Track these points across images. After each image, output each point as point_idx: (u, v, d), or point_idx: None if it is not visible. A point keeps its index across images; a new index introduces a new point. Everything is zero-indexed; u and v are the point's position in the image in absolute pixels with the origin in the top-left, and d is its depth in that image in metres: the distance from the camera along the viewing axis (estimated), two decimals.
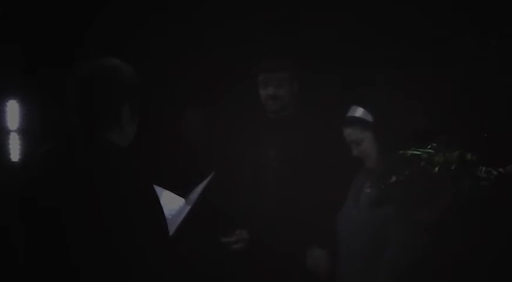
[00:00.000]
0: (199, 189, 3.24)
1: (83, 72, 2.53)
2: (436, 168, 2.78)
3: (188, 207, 3.14)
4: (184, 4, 4.48)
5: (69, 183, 2.42)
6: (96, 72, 2.52)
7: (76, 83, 2.52)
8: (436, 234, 2.88)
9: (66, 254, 2.40)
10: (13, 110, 4.67)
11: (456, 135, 2.91)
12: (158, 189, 3.08)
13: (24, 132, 4.67)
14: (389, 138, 3.06)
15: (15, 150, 4.66)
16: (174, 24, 4.53)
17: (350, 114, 3.25)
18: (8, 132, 4.67)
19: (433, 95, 3.40)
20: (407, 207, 2.93)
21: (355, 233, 3.18)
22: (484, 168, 2.76)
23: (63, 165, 2.47)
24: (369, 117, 3.18)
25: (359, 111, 3.22)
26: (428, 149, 2.83)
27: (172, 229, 2.94)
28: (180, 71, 4.65)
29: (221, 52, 4.56)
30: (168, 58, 4.61)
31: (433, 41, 3.84)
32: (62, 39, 4.48)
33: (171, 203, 3.15)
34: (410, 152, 2.85)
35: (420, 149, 2.83)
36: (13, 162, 4.64)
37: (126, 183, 2.40)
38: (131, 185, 2.40)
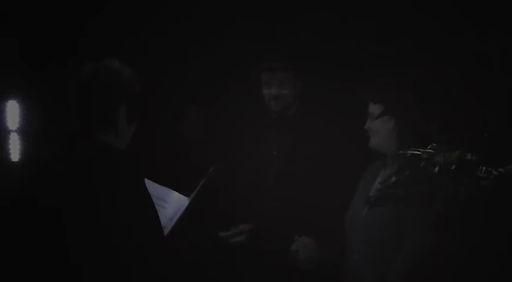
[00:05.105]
0: (199, 184, 3.25)
1: (83, 73, 2.55)
2: (436, 168, 2.78)
3: (187, 203, 3.15)
4: (184, 3, 4.47)
5: (66, 183, 2.44)
6: (96, 74, 2.55)
7: (76, 84, 2.55)
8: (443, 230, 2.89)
9: (65, 252, 2.42)
10: (13, 110, 4.67)
11: (456, 135, 2.91)
12: (163, 189, 3.11)
13: (24, 132, 4.67)
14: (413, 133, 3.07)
15: (15, 150, 4.66)
16: (174, 23, 4.52)
17: (375, 103, 3.24)
18: (8, 132, 4.66)
19: (433, 95, 3.40)
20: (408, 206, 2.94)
21: (368, 234, 3.17)
22: (484, 168, 2.76)
23: (60, 165, 2.48)
24: (395, 109, 3.19)
25: (386, 102, 3.22)
26: (428, 149, 2.83)
27: (170, 225, 2.96)
28: (182, 71, 4.64)
29: (223, 51, 4.55)
30: (170, 58, 4.60)
31: (433, 40, 3.84)
32: (62, 39, 4.48)
33: (177, 203, 3.16)
34: (410, 152, 2.85)
35: (420, 149, 2.83)
36: (13, 162, 4.64)
37: (119, 183, 2.42)
38: (124, 185, 2.42)
